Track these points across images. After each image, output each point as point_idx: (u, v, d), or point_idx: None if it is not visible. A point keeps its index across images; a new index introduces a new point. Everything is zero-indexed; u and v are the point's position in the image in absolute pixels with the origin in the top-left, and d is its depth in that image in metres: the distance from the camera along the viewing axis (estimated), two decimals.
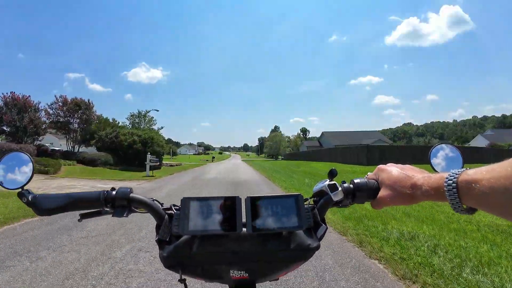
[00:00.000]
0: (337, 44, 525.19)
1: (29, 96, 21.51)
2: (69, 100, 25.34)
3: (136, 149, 24.03)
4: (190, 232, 0.52)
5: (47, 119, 24.66)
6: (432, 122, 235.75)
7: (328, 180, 0.59)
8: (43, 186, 9.59)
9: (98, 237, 3.71)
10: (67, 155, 22.90)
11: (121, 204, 0.57)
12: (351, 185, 0.58)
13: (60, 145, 31.50)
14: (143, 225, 4.23)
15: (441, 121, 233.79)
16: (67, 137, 25.81)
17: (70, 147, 25.87)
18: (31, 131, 21.25)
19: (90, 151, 26.77)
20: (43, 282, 2.44)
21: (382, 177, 0.54)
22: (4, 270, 2.69)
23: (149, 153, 14.56)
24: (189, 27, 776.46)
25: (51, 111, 24.65)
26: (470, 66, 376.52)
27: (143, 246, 3.36)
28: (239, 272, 0.54)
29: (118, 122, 40.96)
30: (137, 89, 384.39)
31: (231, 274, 0.54)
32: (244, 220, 0.54)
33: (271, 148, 69.77)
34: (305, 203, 0.58)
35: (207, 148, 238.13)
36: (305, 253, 0.55)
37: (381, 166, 0.57)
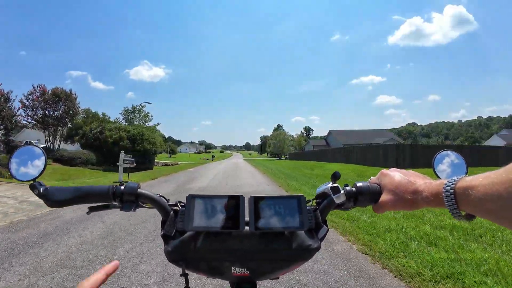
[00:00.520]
0: (340, 43, 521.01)
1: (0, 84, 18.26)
2: (48, 90, 22.19)
3: (123, 146, 20.88)
4: (194, 228, 0.53)
5: (24, 111, 21.50)
6: (436, 122, 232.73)
7: (331, 183, 0.59)
8: None
9: None
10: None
11: (129, 199, 0.58)
12: (354, 189, 0.58)
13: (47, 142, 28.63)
14: None
15: (446, 121, 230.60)
16: (46, 132, 22.66)
17: (50, 144, 22.73)
18: None
19: (76, 148, 23.76)
20: None
21: (385, 182, 0.54)
22: None
23: (122, 151, 11.10)
24: (191, 25, 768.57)
25: (27, 102, 21.53)
26: (473, 67, 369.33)
27: None
28: (240, 269, 0.55)
29: (109, 117, 37.97)
30: (139, 87, 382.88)
31: (232, 271, 0.55)
32: (247, 219, 0.54)
33: (274, 147, 66.15)
34: (307, 204, 0.58)
35: (208, 147, 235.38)
36: (305, 253, 0.55)
37: (384, 170, 0.57)
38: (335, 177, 0.59)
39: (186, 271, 0.55)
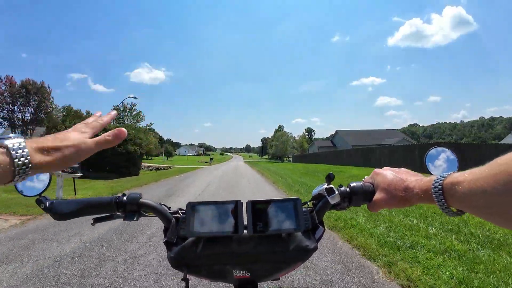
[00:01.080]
0: (340, 44, 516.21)
1: None
2: (17, 83, 18.85)
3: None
4: (195, 234, 0.55)
5: None
6: (438, 123, 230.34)
7: (326, 184, 0.61)
8: None
9: None
10: None
11: (131, 209, 0.60)
12: (348, 189, 0.59)
13: None
14: None
15: (447, 122, 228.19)
16: (13, 131, 19.32)
17: None
18: None
19: None
20: None
21: (378, 181, 0.56)
22: None
23: None
24: (191, 27, 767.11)
25: None
26: (473, 68, 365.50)
27: None
28: (241, 272, 0.57)
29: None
30: (140, 90, 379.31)
31: (234, 274, 0.57)
32: (245, 223, 0.56)
33: (276, 149, 62.59)
34: (303, 206, 0.60)
35: (208, 149, 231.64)
36: (303, 254, 0.57)
37: (377, 170, 0.58)
38: (329, 178, 0.60)
39: (189, 276, 0.57)
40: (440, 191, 0.40)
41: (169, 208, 0.63)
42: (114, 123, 37.46)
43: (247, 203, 0.57)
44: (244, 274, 0.57)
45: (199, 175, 15.43)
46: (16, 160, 0.37)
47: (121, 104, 35.28)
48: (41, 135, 0.57)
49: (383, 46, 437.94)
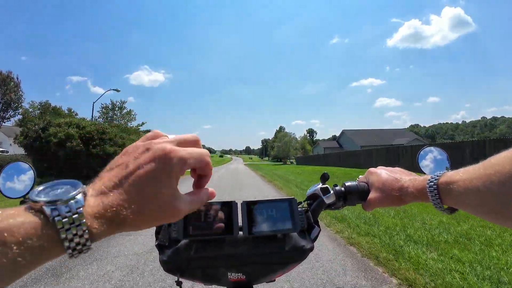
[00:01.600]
0: (339, 46, 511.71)
1: None
2: None
3: (71, 148, 14.48)
4: (188, 237, 0.53)
5: None
6: (440, 123, 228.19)
7: (321, 184, 0.61)
8: None
9: None
10: None
11: None
12: (343, 188, 0.60)
13: (10, 144, 22.27)
14: None
15: (449, 122, 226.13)
16: None
17: None
18: None
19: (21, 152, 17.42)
20: None
21: (372, 180, 0.56)
22: None
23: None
24: (191, 30, 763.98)
25: None
26: (473, 68, 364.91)
27: None
28: (236, 274, 0.55)
29: (76, 113, 31.42)
30: (139, 92, 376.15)
31: (229, 276, 0.55)
32: (240, 224, 0.55)
33: (279, 150, 59.16)
34: (299, 206, 0.59)
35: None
36: (299, 255, 0.56)
37: (371, 169, 0.58)
38: (324, 178, 0.61)
39: (182, 279, 0.55)
40: (436, 190, 0.41)
41: None
42: (101, 121, 34.50)
43: (241, 204, 0.56)
44: (239, 277, 0.55)
45: (188, 183, 12.29)
46: (64, 236, 0.25)
47: (109, 103, 32.25)
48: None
49: (382, 47, 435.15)
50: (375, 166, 0.59)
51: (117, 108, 34.11)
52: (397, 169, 0.56)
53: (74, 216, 0.25)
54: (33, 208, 0.25)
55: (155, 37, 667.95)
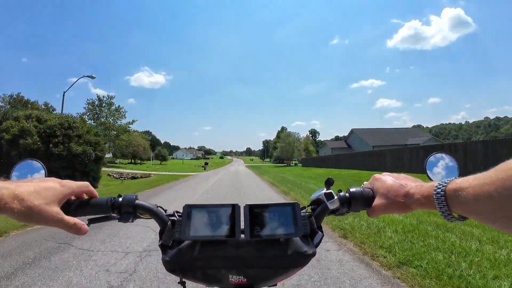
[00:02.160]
0: (339, 47, 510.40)
1: None
2: None
3: (25, 147, 11.33)
4: (191, 238, 0.54)
5: None
6: (442, 124, 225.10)
7: (325, 189, 0.60)
8: None
9: None
10: None
11: (127, 210, 0.58)
12: (347, 194, 0.59)
13: None
14: None
15: (451, 122, 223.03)
16: None
17: None
18: None
19: None
20: None
21: (377, 186, 0.55)
22: None
23: None
24: (191, 31, 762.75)
25: None
26: (473, 69, 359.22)
27: None
28: (237, 277, 0.55)
29: (52, 108, 28.11)
30: (140, 94, 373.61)
31: (230, 278, 0.55)
32: (243, 227, 0.55)
33: (282, 151, 55.33)
34: (302, 211, 0.58)
35: (208, 153, 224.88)
36: (301, 259, 0.55)
37: (376, 175, 0.58)
38: (328, 183, 0.60)
39: (185, 279, 0.57)
40: (443, 197, 0.40)
41: (165, 211, 0.61)
42: (88, 120, 31.27)
43: (244, 207, 0.56)
44: (240, 280, 0.55)
45: (178, 191, 9.06)
46: None
47: (95, 98, 28.99)
48: None
49: (382, 48, 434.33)
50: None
51: (104, 105, 30.91)
52: (402, 175, 0.54)
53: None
54: None
55: (156, 38, 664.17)
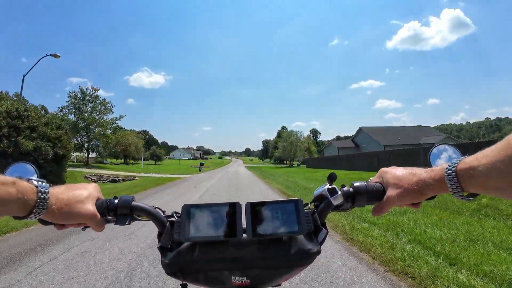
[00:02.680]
0: (339, 48, 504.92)
1: None
2: None
3: None
4: (191, 239, 0.52)
5: None
6: (443, 124, 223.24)
7: (328, 184, 0.59)
8: None
9: None
10: None
11: (123, 212, 0.56)
12: (351, 189, 0.57)
13: None
14: None
15: (452, 123, 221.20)
16: None
17: None
18: None
19: None
20: None
21: (387, 178, 0.54)
22: None
23: None
24: (191, 32, 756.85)
25: None
26: (472, 70, 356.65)
27: None
28: (240, 278, 0.53)
29: (27, 102, 24.64)
30: (139, 94, 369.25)
31: (232, 280, 0.54)
32: (244, 226, 0.53)
33: (284, 151, 51.99)
34: (305, 208, 0.57)
35: (207, 153, 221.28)
36: (306, 258, 0.54)
37: (384, 168, 0.57)
38: (331, 178, 0.59)
39: (186, 282, 0.55)
40: (455, 178, 0.41)
41: (163, 212, 0.59)
42: (68, 114, 28.04)
43: (246, 205, 0.54)
44: (243, 281, 0.53)
45: (157, 202, 6.22)
46: (40, 194, 0.43)
47: (78, 90, 25.60)
48: None
49: (381, 49, 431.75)
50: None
51: (88, 98, 27.65)
52: (410, 168, 0.53)
53: (47, 190, 0.45)
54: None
55: (155, 38, 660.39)
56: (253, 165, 59.83)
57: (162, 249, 0.54)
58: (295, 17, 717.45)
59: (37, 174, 0.60)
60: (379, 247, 3.25)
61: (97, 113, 28.06)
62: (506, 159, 0.34)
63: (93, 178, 18.29)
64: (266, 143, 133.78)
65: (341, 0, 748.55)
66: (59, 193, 0.48)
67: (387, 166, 0.59)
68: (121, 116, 29.16)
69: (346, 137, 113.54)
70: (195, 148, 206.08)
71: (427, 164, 0.59)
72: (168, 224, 0.56)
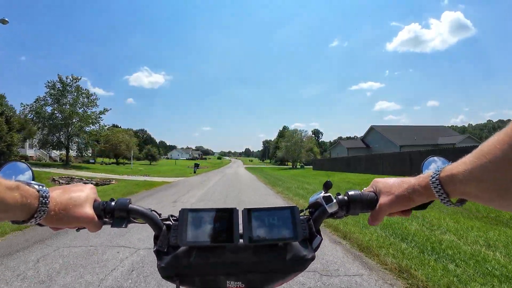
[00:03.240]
0: (338, 49, 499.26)
1: None
2: None
3: None
4: (187, 243, 0.52)
5: None
6: (443, 126, 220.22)
7: (323, 192, 0.59)
8: None
9: None
10: None
11: (120, 215, 0.56)
12: (346, 197, 0.58)
13: None
14: None
15: (454, 125, 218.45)
16: None
17: None
18: None
19: None
20: None
21: (379, 187, 0.56)
22: None
23: None
24: (191, 31, 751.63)
25: None
26: (471, 72, 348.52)
27: None
28: (235, 283, 0.54)
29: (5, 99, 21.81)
30: (139, 94, 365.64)
31: (228, 285, 0.55)
32: (241, 231, 0.54)
33: (287, 152, 48.41)
34: (300, 214, 0.58)
35: (206, 153, 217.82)
36: (300, 264, 0.55)
37: (377, 178, 0.60)
38: (327, 186, 0.60)
39: (181, 287, 0.55)
40: (439, 185, 0.42)
41: (159, 215, 0.59)
42: (50, 108, 24.88)
43: (243, 211, 0.55)
44: (238, 285, 0.54)
45: (86, 235, 3.47)
46: (41, 199, 0.43)
47: (57, 80, 22.28)
48: None
49: (381, 51, 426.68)
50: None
51: (69, 88, 24.57)
52: (401, 178, 0.55)
53: (47, 194, 0.44)
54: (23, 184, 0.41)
55: (155, 38, 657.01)
56: (253, 166, 56.62)
57: (158, 253, 0.54)
58: (295, 17, 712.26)
59: (32, 173, 0.57)
60: None
61: (79, 105, 25.01)
62: (480, 167, 0.35)
63: (62, 181, 15.13)
64: (266, 143, 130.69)
65: (341, 1, 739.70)
66: (57, 196, 0.47)
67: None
68: (105, 110, 25.97)
69: (348, 138, 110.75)
70: (194, 148, 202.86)
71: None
72: (164, 227, 0.56)
